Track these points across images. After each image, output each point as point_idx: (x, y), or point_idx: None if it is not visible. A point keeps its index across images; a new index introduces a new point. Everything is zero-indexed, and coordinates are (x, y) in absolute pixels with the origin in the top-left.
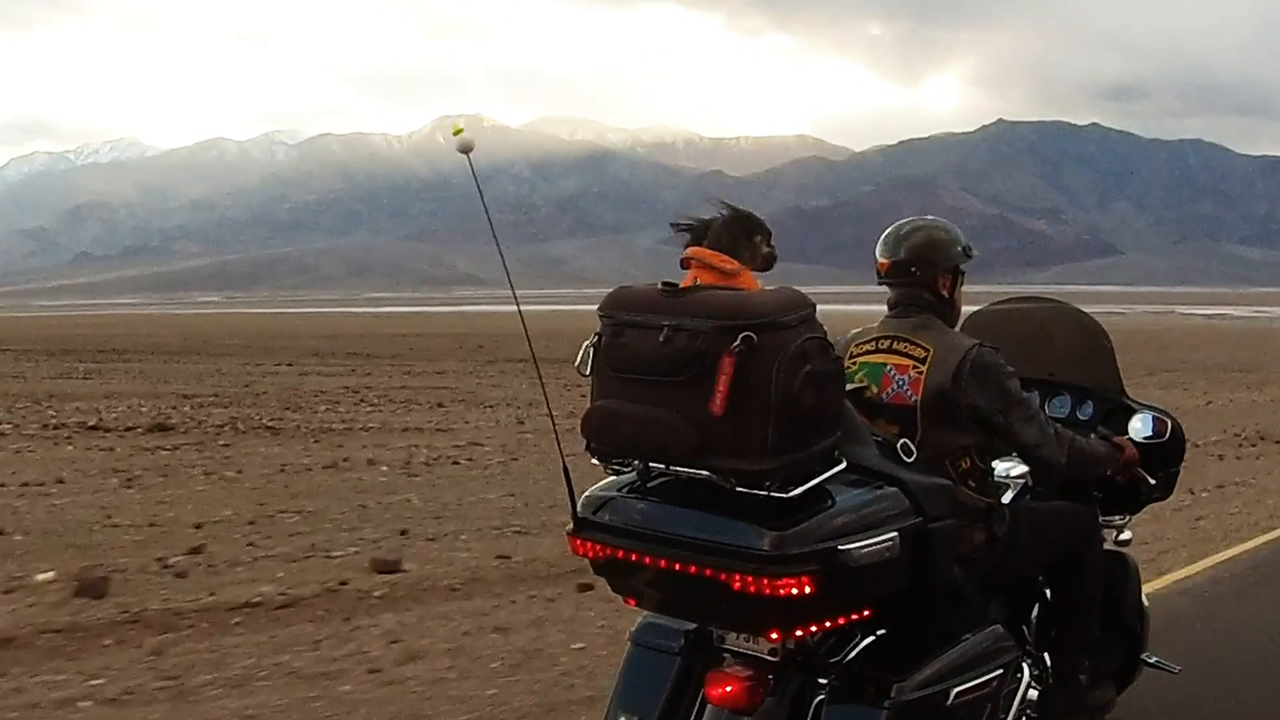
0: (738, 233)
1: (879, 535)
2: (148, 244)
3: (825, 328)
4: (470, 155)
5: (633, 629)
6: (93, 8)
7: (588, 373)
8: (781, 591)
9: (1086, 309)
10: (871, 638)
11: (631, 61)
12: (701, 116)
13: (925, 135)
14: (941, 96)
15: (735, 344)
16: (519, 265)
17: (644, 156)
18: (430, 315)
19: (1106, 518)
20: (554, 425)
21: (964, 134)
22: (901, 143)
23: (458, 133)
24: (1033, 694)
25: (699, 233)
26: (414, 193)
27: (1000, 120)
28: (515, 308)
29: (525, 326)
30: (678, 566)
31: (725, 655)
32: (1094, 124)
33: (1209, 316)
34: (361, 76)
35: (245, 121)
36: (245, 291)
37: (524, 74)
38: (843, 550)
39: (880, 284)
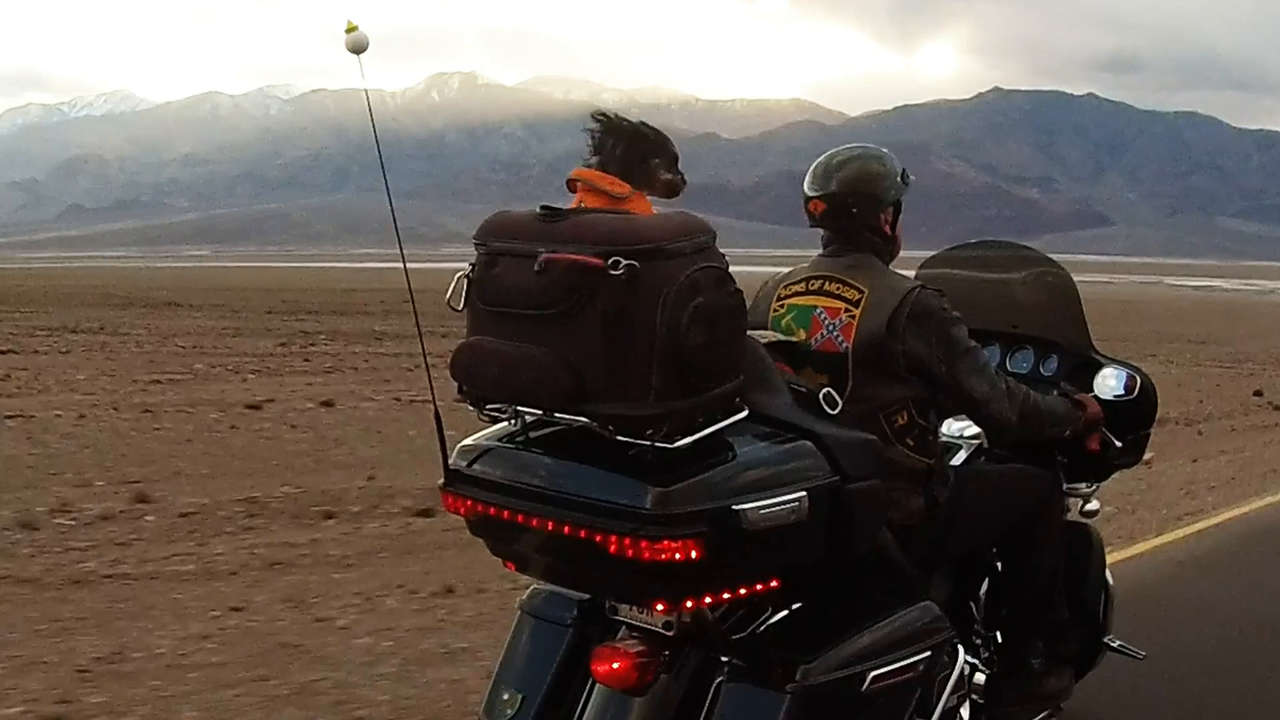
0: (631, 155)
1: (783, 494)
2: (139, 198)
3: (727, 258)
4: (361, 57)
5: (522, 597)
6: None
7: (460, 307)
8: (663, 556)
9: (1076, 277)
10: (785, 612)
11: (627, 23)
12: (696, 79)
13: (920, 102)
14: (938, 64)
15: (617, 272)
16: None
17: (638, 118)
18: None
19: (1072, 485)
20: (427, 367)
21: (959, 101)
22: (896, 108)
23: (351, 30)
24: (980, 679)
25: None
26: (406, 151)
27: (996, 89)
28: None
29: (408, 278)
30: (551, 526)
31: (621, 628)
32: (1090, 94)
33: (1197, 288)
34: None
35: (240, 76)
36: (235, 246)
37: (518, 34)
38: (737, 510)
39: (814, 227)
